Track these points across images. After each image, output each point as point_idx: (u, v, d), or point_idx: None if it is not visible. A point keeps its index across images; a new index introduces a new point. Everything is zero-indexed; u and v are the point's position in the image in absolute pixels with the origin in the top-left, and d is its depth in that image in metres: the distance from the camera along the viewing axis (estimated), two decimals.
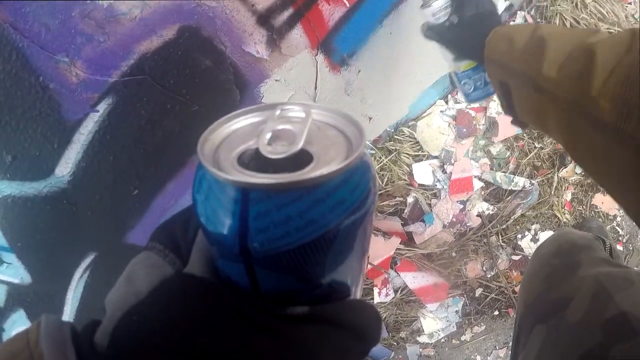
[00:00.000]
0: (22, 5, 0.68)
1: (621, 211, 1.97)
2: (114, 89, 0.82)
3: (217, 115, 0.30)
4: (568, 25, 1.79)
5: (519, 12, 1.82)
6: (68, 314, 1.08)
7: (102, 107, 0.83)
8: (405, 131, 1.71)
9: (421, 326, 1.81)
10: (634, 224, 1.89)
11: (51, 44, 0.73)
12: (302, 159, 0.27)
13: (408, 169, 1.72)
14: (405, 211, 1.71)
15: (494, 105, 1.76)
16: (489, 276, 1.83)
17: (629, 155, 0.51)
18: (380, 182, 1.69)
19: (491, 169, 1.79)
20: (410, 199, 1.71)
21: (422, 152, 1.73)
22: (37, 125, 0.79)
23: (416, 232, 1.72)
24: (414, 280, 1.75)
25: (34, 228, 0.90)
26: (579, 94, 0.56)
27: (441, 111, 1.75)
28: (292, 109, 0.31)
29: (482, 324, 1.87)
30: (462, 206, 1.75)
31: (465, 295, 1.84)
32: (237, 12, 0.89)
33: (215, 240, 0.28)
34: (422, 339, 1.83)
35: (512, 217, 1.81)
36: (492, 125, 1.77)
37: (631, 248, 1.98)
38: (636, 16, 1.89)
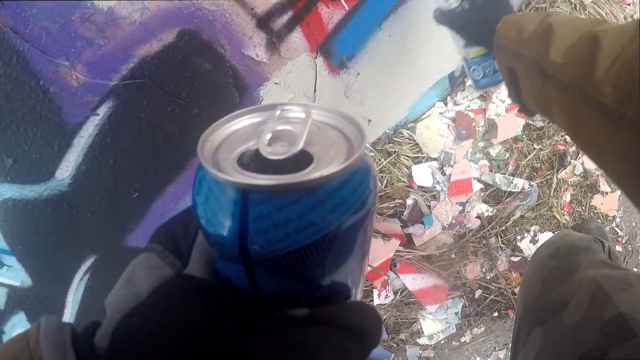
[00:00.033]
0: (22, 9, 0.68)
1: (620, 212, 1.97)
2: (114, 93, 0.83)
3: (216, 118, 0.30)
4: None
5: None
6: (68, 317, 1.08)
7: (103, 110, 0.83)
8: (404, 133, 1.71)
9: (421, 328, 1.81)
10: (634, 224, 1.90)
11: (51, 47, 0.73)
12: (302, 159, 0.27)
13: (407, 171, 1.72)
14: (405, 213, 1.71)
15: (493, 107, 1.77)
16: (488, 278, 1.83)
17: (629, 139, 0.52)
18: (380, 184, 1.69)
19: (490, 170, 1.79)
20: (409, 201, 1.71)
21: (422, 154, 1.73)
22: (38, 129, 0.79)
23: (415, 234, 1.72)
24: (413, 282, 1.75)
25: (34, 231, 0.90)
26: (582, 79, 0.57)
27: (440, 113, 1.75)
28: (292, 110, 0.31)
29: (481, 325, 1.87)
30: (461, 208, 1.75)
31: (464, 297, 1.84)
32: (236, 15, 0.90)
33: (215, 242, 0.28)
34: (422, 340, 1.83)
35: (511, 219, 1.81)
36: (491, 127, 1.77)
37: (630, 249, 1.99)
38: (635, 17, 1.89)
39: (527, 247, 1.84)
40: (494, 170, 1.79)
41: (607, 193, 1.94)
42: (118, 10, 0.76)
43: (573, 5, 1.82)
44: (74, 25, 0.74)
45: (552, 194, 1.85)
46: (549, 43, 0.65)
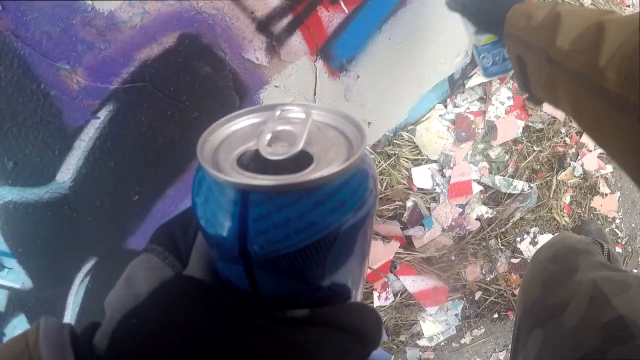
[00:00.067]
0: (23, 13, 0.69)
1: (620, 213, 1.97)
2: (114, 96, 0.83)
3: (216, 121, 0.30)
4: None
5: None
6: (69, 319, 1.08)
7: (103, 114, 0.83)
8: (404, 135, 1.71)
9: (421, 329, 1.81)
10: (633, 225, 1.90)
11: (52, 51, 0.74)
12: (302, 160, 0.27)
13: (407, 173, 1.72)
14: (405, 215, 1.71)
15: (493, 109, 1.77)
16: (488, 279, 1.83)
17: (630, 122, 0.55)
18: (380, 187, 1.69)
19: (490, 172, 1.79)
20: (409, 203, 1.71)
21: (421, 156, 1.73)
22: (39, 132, 0.79)
23: (415, 236, 1.72)
24: (413, 283, 1.75)
25: (35, 234, 0.90)
26: (587, 65, 0.60)
27: (440, 115, 1.75)
28: (292, 110, 0.30)
29: (481, 327, 1.87)
30: (461, 210, 1.75)
31: (464, 299, 1.84)
32: (236, 19, 0.90)
33: (214, 243, 0.28)
34: (422, 342, 1.83)
35: (511, 221, 1.81)
36: (491, 129, 1.77)
37: (630, 250, 1.99)
38: None
39: (527, 248, 1.84)
40: (493, 172, 1.79)
41: (606, 194, 1.94)
42: (119, 14, 0.76)
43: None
44: (75, 29, 0.74)
45: (551, 195, 1.85)
46: (557, 31, 0.67)
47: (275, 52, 1.02)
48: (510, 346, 1.08)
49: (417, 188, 1.72)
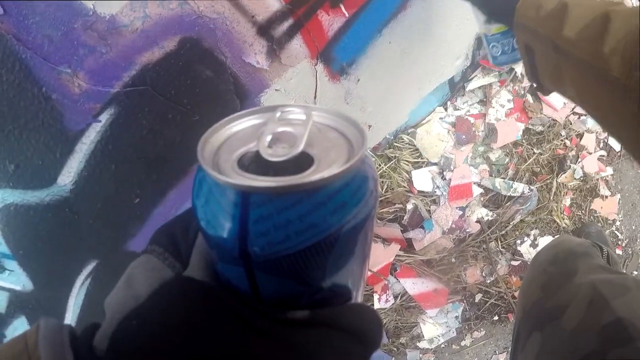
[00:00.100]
0: (25, 16, 0.69)
1: (620, 215, 1.97)
2: (116, 100, 0.83)
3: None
4: None
5: None
6: (69, 321, 1.08)
7: (104, 117, 0.84)
8: (404, 138, 1.72)
9: (421, 332, 1.81)
10: (634, 227, 1.90)
11: (54, 55, 0.74)
12: (302, 161, 0.27)
13: (407, 175, 1.72)
14: (405, 218, 1.71)
15: (493, 112, 1.77)
16: (488, 282, 1.83)
17: (632, 107, 0.59)
18: (380, 189, 1.69)
19: (490, 175, 1.79)
20: (409, 206, 1.71)
21: (422, 159, 1.73)
22: (40, 135, 0.80)
23: (416, 238, 1.72)
24: (413, 286, 1.75)
25: (36, 236, 0.90)
26: (592, 53, 0.64)
27: (440, 118, 1.76)
28: (292, 111, 0.30)
29: (481, 329, 1.87)
30: (461, 212, 1.76)
31: (465, 301, 1.84)
32: (237, 23, 0.90)
33: (215, 244, 0.27)
34: (422, 344, 1.83)
35: (511, 223, 1.81)
36: (491, 131, 1.77)
37: (630, 252, 1.99)
38: None
39: (527, 251, 1.84)
40: (493, 175, 1.80)
41: (607, 197, 1.95)
42: (120, 18, 0.77)
43: None
44: (76, 33, 0.74)
45: (552, 198, 1.85)
46: (564, 21, 0.69)
47: (275, 56, 1.02)
48: (510, 348, 1.08)
49: (418, 191, 1.72)
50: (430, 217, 1.72)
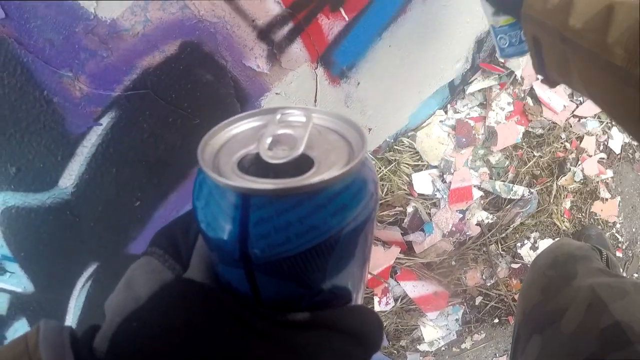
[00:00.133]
0: (27, 20, 0.69)
1: (620, 218, 1.97)
2: (117, 103, 0.84)
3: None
4: None
5: None
6: (70, 323, 1.08)
7: (106, 120, 0.84)
8: (404, 141, 1.72)
9: (421, 334, 1.81)
10: (634, 230, 1.90)
11: (55, 59, 0.74)
12: (303, 163, 0.27)
13: (407, 178, 1.72)
14: (405, 221, 1.71)
15: (493, 115, 1.78)
16: (488, 284, 1.83)
17: (635, 93, 0.61)
18: (380, 192, 1.69)
19: (490, 178, 1.79)
20: (409, 209, 1.71)
21: (422, 162, 1.74)
22: (41, 138, 0.80)
23: (416, 241, 1.72)
24: (414, 289, 1.75)
25: (37, 238, 0.91)
26: (597, 43, 0.66)
27: (440, 121, 1.76)
28: (292, 114, 0.30)
29: (482, 331, 1.87)
30: (461, 215, 1.76)
31: (465, 304, 1.84)
32: (237, 27, 0.91)
33: (215, 246, 0.27)
34: (423, 347, 1.83)
35: (511, 226, 1.81)
36: (491, 134, 1.77)
37: (631, 254, 1.99)
38: None
39: (527, 254, 1.84)
40: (494, 178, 1.80)
41: (607, 199, 1.95)
42: (121, 22, 0.77)
43: None
44: (78, 37, 0.74)
45: (552, 200, 1.85)
46: (570, 13, 0.71)
47: (276, 60, 1.02)
48: (510, 351, 1.08)
49: (418, 194, 1.72)
50: (431, 220, 1.72)
